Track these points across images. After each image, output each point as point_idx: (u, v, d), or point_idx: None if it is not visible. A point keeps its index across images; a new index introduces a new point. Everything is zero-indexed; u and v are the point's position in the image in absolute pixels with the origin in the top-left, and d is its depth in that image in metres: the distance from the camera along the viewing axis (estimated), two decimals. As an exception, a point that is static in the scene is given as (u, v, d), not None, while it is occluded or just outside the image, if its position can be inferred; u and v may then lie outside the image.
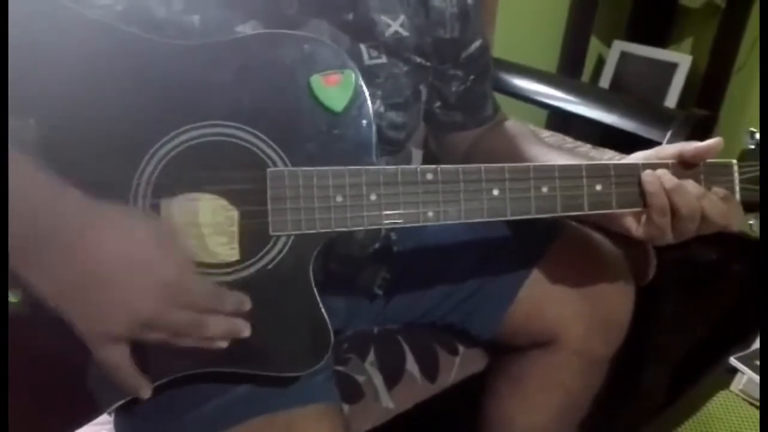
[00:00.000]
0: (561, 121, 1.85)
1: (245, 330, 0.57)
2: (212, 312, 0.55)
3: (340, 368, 0.81)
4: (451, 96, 0.82)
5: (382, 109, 0.72)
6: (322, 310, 0.60)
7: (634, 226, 0.67)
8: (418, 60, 0.74)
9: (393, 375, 0.84)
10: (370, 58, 0.70)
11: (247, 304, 0.57)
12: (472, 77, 0.82)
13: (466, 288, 0.85)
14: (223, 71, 0.59)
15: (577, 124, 1.83)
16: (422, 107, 0.79)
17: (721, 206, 0.64)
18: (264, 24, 0.64)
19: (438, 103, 0.83)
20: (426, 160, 1.38)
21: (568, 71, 1.97)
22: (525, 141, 0.82)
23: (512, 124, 0.87)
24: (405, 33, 0.72)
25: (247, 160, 0.59)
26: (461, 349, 0.90)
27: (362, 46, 0.70)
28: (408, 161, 0.86)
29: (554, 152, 0.79)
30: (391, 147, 0.76)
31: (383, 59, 0.71)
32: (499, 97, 0.91)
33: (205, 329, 0.55)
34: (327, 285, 0.78)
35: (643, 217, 0.66)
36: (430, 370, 0.87)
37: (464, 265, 0.85)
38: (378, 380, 0.82)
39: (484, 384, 0.88)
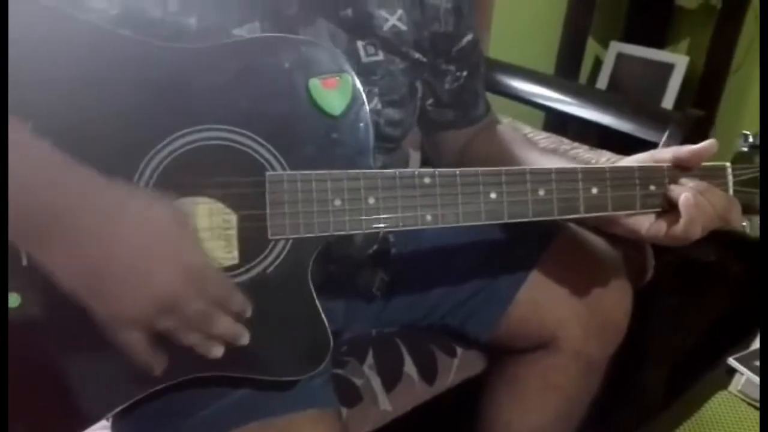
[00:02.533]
0: (558, 123, 1.86)
1: (244, 336, 0.57)
2: (222, 308, 0.55)
3: (338, 371, 0.81)
4: (444, 93, 0.83)
5: (379, 106, 0.72)
6: (322, 313, 0.60)
7: (645, 225, 0.66)
8: (416, 56, 0.75)
9: (391, 378, 0.84)
10: (367, 55, 0.70)
11: (249, 310, 0.57)
12: (464, 73, 0.82)
13: (464, 290, 0.85)
14: (221, 75, 0.59)
15: (574, 126, 1.84)
16: (418, 104, 0.79)
17: (724, 200, 0.65)
18: (264, 25, 0.65)
19: (430, 101, 0.83)
20: (424, 162, 1.38)
21: (566, 72, 1.97)
22: (519, 146, 0.82)
23: (505, 129, 0.87)
24: (403, 27, 0.73)
25: (245, 164, 0.59)
26: (459, 351, 0.90)
27: (359, 44, 0.70)
28: (405, 161, 0.87)
29: (549, 157, 0.79)
30: (388, 144, 0.76)
31: (380, 56, 0.71)
32: (497, 99, 0.92)
33: (212, 325, 0.55)
34: (325, 287, 0.78)
35: (654, 218, 0.66)
36: (428, 373, 0.87)
37: (462, 267, 0.85)
38: (376, 383, 0.82)
39: (482, 386, 0.88)
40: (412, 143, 1.35)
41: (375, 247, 0.83)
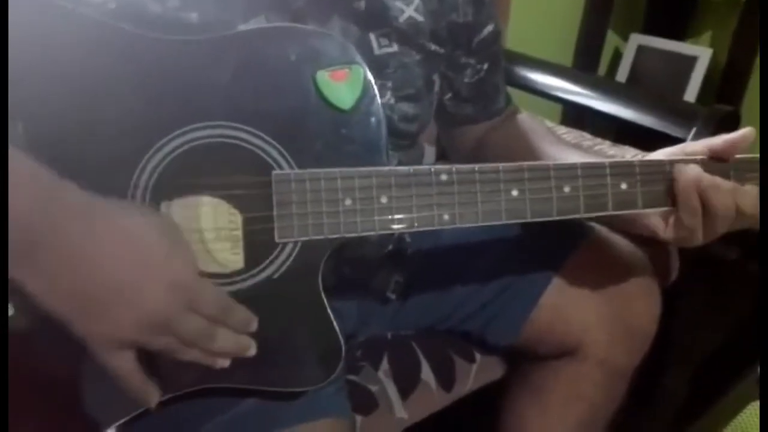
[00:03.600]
0: (576, 117, 1.81)
1: (251, 348, 0.54)
2: (221, 323, 0.52)
3: (352, 377, 0.78)
4: (463, 87, 0.79)
5: (392, 100, 0.69)
6: (333, 321, 0.57)
7: (661, 227, 0.64)
8: (433, 47, 0.71)
9: (407, 384, 0.80)
10: (380, 47, 0.67)
11: (254, 323, 0.54)
12: (485, 66, 0.79)
13: (485, 293, 0.81)
14: (223, 69, 0.56)
15: (592, 120, 1.79)
16: (435, 98, 0.76)
17: (755, 200, 0.61)
18: (270, 19, 0.61)
19: (449, 95, 0.80)
20: (439, 156, 1.35)
21: (584, 65, 1.92)
22: (540, 138, 0.78)
23: (525, 119, 0.84)
24: (420, 18, 0.69)
25: (249, 163, 0.55)
26: (478, 356, 0.86)
27: (372, 35, 0.67)
28: (420, 158, 0.83)
29: (572, 151, 0.75)
30: (403, 141, 0.73)
31: (394, 48, 0.68)
32: (513, 92, 0.88)
33: (212, 340, 0.52)
34: (338, 289, 0.75)
35: (671, 218, 0.63)
36: (445, 379, 0.83)
37: (482, 268, 0.82)
38: (392, 390, 0.79)
39: (502, 393, 0.85)
40: (427, 137, 1.32)
41: (390, 247, 0.80)
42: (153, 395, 0.52)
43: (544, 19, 1.85)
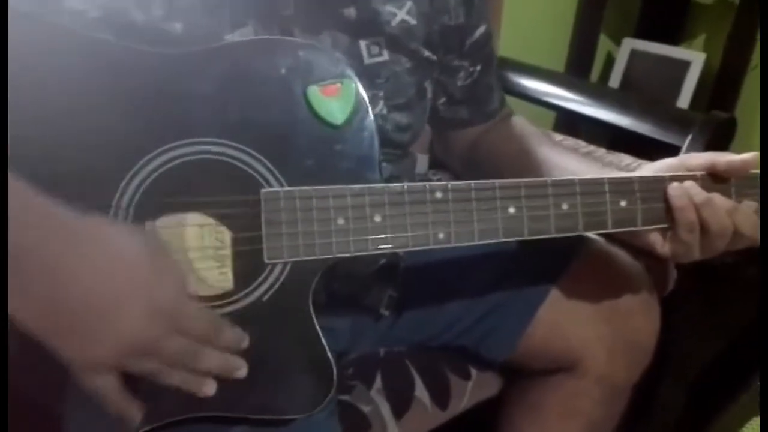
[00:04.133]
0: (569, 124, 1.80)
1: (241, 369, 0.52)
2: (209, 344, 0.50)
3: (344, 397, 0.76)
4: (457, 90, 0.78)
5: (385, 110, 0.67)
6: (325, 345, 0.55)
7: (659, 242, 0.62)
8: (426, 53, 0.70)
9: (401, 403, 0.78)
10: (370, 55, 0.65)
11: (245, 342, 0.52)
12: (478, 68, 0.77)
13: (480, 308, 0.79)
14: (210, 82, 0.54)
15: (586, 127, 1.78)
16: (428, 106, 0.74)
17: (754, 219, 0.60)
18: (257, 29, 0.59)
19: (443, 99, 0.79)
20: (432, 164, 1.33)
21: (577, 70, 1.91)
22: (535, 140, 0.77)
23: (519, 121, 0.82)
24: (413, 21, 0.67)
25: (238, 181, 0.53)
26: (474, 373, 0.84)
27: (362, 43, 0.65)
28: (412, 168, 0.81)
29: (568, 156, 0.73)
30: (396, 151, 0.72)
31: (384, 56, 0.66)
32: (506, 98, 0.86)
33: (198, 360, 0.50)
34: (330, 306, 0.73)
35: (669, 234, 0.62)
36: (440, 397, 0.81)
37: (478, 282, 0.80)
38: (385, 409, 0.77)
39: (499, 410, 0.83)
40: (419, 146, 1.30)
41: (383, 261, 0.77)
42: (136, 420, 0.50)
43: (536, 24, 1.83)
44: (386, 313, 0.82)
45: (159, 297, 0.47)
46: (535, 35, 1.83)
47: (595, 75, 2.02)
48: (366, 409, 0.76)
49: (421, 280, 0.82)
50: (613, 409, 0.78)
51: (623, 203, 0.60)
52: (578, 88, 1.41)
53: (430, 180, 1.25)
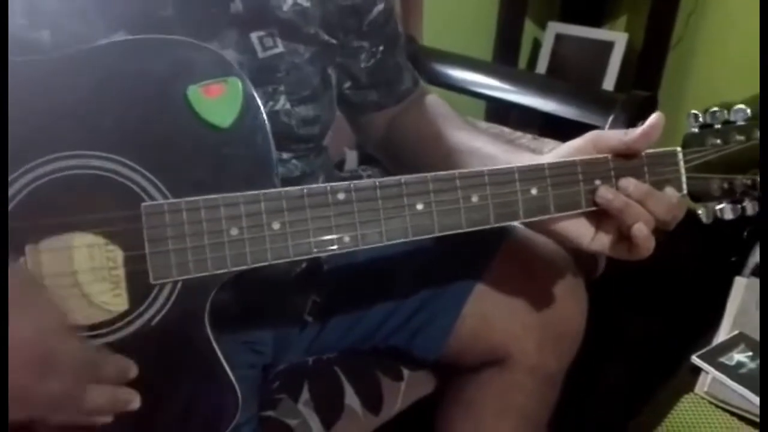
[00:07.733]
0: (500, 112, 1.80)
1: (134, 401, 0.48)
2: (90, 380, 0.46)
3: (268, 413, 0.72)
4: (361, 73, 0.75)
5: (288, 105, 0.64)
6: (225, 365, 0.51)
7: (586, 239, 0.60)
8: (324, 37, 0.66)
9: (331, 413, 0.75)
10: (265, 48, 0.61)
11: (133, 371, 0.48)
12: (381, 48, 0.74)
13: (407, 306, 0.77)
14: (80, 90, 0.49)
15: (516, 114, 1.78)
16: (334, 94, 0.71)
17: (667, 202, 0.58)
18: (133, 33, 0.54)
19: (348, 84, 0.75)
20: (362, 160, 1.30)
21: (504, 57, 1.91)
22: (447, 125, 0.74)
23: (433, 101, 0.79)
24: (306, 3, 0.64)
25: (117, 195, 0.49)
26: (406, 373, 0.82)
27: (253, 36, 0.61)
28: (329, 165, 0.78)
29: (479, 137, 0.71)
30: (307, 145, 0.69)
31: (280, 47, 0.62)
32: (433, 90, 0.84)
33: (83, 402, 0.46)
34: (248, 318, 0.69)
35: (595, 232, 0.60)
36: (372, 402, 0.78)
37: (403, 281, 0.77)
38: (314, 422, 0.73)
39: (434, 409, 0.80)
40: (348, 141, 1.27)
41: (303, 265, 0.74)
42: None
43: (460, 12, 1.82)
44: (311, 319, 0.79)
45: (20, 338, 0.42)
46: (459, 23, 1.82)
47: (522, 61, 2.02)
48: (293, 423, 0.72)
49: (345, 282, 0.79)
50: (547, 398, 0.77)
51: (534, 191, 0.58)
52: (503, 76, 1.41)
53: (360, 176, 1.22)
